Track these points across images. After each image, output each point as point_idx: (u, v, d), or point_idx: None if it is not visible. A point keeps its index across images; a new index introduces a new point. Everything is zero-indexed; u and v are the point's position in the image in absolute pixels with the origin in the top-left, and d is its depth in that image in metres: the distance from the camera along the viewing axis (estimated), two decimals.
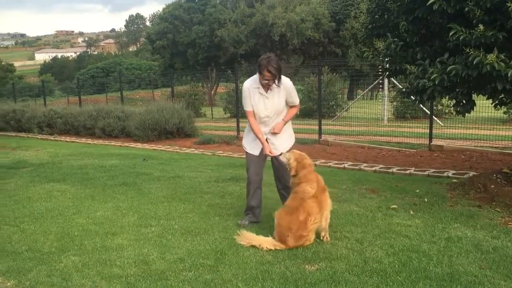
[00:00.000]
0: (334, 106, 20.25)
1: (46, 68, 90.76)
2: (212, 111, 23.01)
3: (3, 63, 66.23)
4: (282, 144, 4.95)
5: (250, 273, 3.65)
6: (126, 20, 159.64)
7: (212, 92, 38.00)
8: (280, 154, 4.78)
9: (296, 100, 4.97)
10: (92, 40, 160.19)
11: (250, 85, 4.83)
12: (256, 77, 4.78)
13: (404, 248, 4.14)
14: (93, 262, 4.02)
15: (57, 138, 16.11)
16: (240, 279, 3.56)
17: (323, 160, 9.68)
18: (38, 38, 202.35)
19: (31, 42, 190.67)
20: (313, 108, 19.77)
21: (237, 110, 15.13)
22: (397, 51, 5.67)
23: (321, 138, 12.39)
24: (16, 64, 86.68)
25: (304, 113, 20.13)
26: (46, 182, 7.53)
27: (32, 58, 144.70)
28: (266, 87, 4.74)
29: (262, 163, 5.03)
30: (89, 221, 5.27)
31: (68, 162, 9.61)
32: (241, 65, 36.22)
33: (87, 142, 14.78)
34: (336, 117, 18.55)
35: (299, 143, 12.33)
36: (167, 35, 42.26)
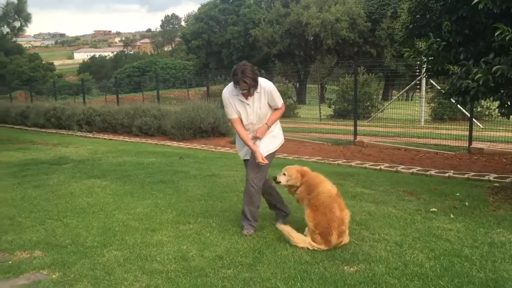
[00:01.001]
0: (369, 107, 20.02)
1: (84, 67, 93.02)
2: None
3: (43, 62, 68.26)
4: (266, 145, 4.73)
5: (288, 273, 3.66)
6: (162, 20, 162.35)
7: None
8: (276, 179, 4.66)
9: (279, 102, 4.72)
10: (129, 40, 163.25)
11: (230, 93, 4.62)
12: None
13: (446, 252, 4.06)
14: (134, 257, 4.11)
15: (95, 136, 16.52)
16: (279, 278, 3.57)
17: (358, 161, 9.58)
18: (77, 38, 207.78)
19: (70, 42, 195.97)
20: (347, 108, 19.61)
21: None
22: (439, 51, 5.56)
23: (356, 139, 12.27)
24: (56, 63, 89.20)
25: (338, 114, 19.99)
26: (87, 178, 7.73)
27: (71, 57, 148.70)
28: (246, 94, 4.55)
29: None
30: (129, 217, 5.39)
31: (107, 159, 9.85)
32: (275, 65, 36.26)
33: (124, 140, 15.08)
34: (371, 118, 18.34)
35: (334, 144, 12.29)
36: (202, 35, 42.75)
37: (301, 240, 4.26)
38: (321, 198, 4.35)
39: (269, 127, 4.74)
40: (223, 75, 34.89)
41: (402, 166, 8.83)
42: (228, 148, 12.33)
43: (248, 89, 4.45)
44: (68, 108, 19.22)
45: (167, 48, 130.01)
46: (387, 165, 9.03)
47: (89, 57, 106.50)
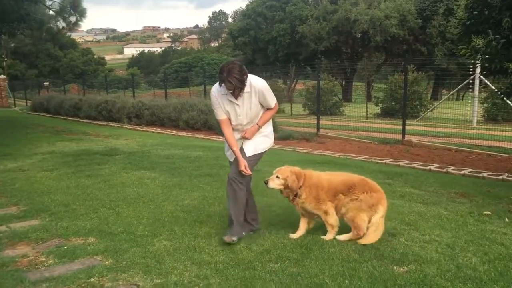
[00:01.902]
0: (418, 106, 19.54)
1: (133, 62, 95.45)
2: (291, 107, 23.07)
3: (95, 56, 70.55)
4: (255, 144, 4.44)
5: (336, 270, 3.64)
6: (209, 16, 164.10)
7: (290, 88, 38.04)
8: (267, 184, 4.35)
9: (271, 102, 4.41)
10: (177, 36, 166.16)
11: (218, 91, 4.31)
12: None
13: (500, 256, 3.92)
14: (184, 247, 4.20)
15: (144, 129, 16.94)
16: (327, 274, 3.56)
17: (406, 161, 9.38)
18: (127, 33, 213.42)
19: (120, 37, 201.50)
20: (395, 107, 19.23)
21: (318, 107, 15.06)
22: (498, 48, 5.37)
23: (404, 138, 12.01)
24: (107, 57, 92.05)
25: (385, 112, 19.64)
26: (137, 169, 7.95)
27: (121, 52, 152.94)
28: (235, 94, 4.22)
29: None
30: (178, 208, 5.50)
31: (155, 151, 10.08)
32: (321, 62, 35.96)
33: (172, 133, 15.38)
34: (420, 117, 17.90)
35: (381, 143, 12.07)
36: (249, 32, 42.97)
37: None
38: (355, 198, 4.27)
39: (260, 127, 4.44)
40: (268, 71, 35.10)
41: (453, 167, 8.57)
42: (273, 144, 12.34)
43: (233, 89, 4.13)
44: (118, 102, 19.78)
45: (213, 44, 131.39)
46: (437, 165, 8.79)
47: (138, 52, 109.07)
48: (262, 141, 4.49)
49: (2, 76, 38.72)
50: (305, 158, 9.55)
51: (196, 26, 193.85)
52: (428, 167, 8.59)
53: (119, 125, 18.07)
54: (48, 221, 5.10)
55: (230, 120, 4.37)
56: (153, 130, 16.35)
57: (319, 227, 4.61)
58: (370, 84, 31.13)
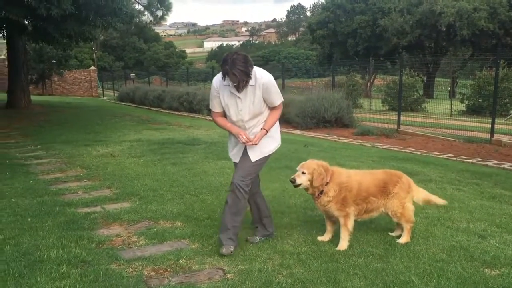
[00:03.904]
0: (508, 104, 18.38)
1: (212, 55, 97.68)
2: (370, 102, 22.57)
3: (177, 50, 73.06)
4: (261, 147, 4.08)
5: (423, 268, 3.56)
6: (287, 10, 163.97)
7: (368, 83, 37.18)
8: (294, 182, 4.01)
9: (276, 100, 4.05)
10: (255, 30, 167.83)
11: (220, 81, 3.98)
12: None
13: None
14: None
15: None
16: (413, 272, 3.49)
17: (495, 161, 8.89)
18: (207, 27, 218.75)
19: (201, 31, 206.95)
20: (482, 104, 18.22)
21: (399, 103, 14.62)
22: None
23: (493, 137, 11.35)
24: (188, 50, 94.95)
25: (472, 110, 18.66)
26: (218, 159, 8.18)
27: (201, 45, 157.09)
28: (240, 87, 3.90)
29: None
30: None
31: None
32: (402, 56, 34.77)
33: None
34: (510, 115, 16.84)
35: (467, 141, 11.50)
36: (327, 25, 42.44)
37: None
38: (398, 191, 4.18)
39: (267, 132, 4.06)
40: (346, 65, 34.55)
41: None
42: (352, 139, 12.19)
43: (237, 83, 3.82)
44: (199, 94, 20.37)
45: (291, 38, 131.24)
46: None
47: (217, 45, 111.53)
48: (268, 143, 4.12)
49: (93, 67, 41.28)
50: (386, 155, 9.34)
51: (274, 20, 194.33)
52: None
53: (199, 116, 18.62)
54: (138, 204, 5.41)
55: (229, 116, 4.06)
56: None
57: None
58: (454, 80, 29.67)
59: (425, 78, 34.07)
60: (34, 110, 18.50)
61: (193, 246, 4.15)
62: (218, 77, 4.00)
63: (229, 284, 3.40)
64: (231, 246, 3.92)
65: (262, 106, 4.03)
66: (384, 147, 10.90)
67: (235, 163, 4.24)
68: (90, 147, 9.48)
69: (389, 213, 4.15)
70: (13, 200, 5.61)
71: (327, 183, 4.00)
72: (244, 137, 3.96)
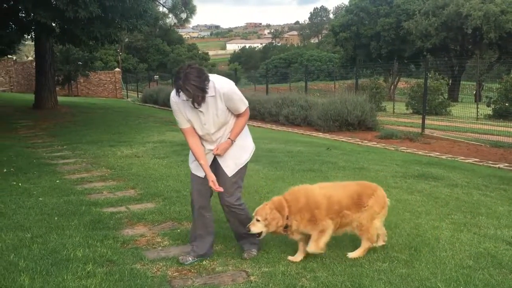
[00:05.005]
0: None
1: (235, 57, 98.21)
2: (394, 105, 22.34)
3: (200, 52, 73.57)
4: (235, 159, 3.91)
5: (449, 275, 3.50)
6: (310, 12, 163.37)
7: (392, 86, 36.78)
8: (249, 231, 3.77)
9: (241, 106, 3.80)
10: (277, 32, 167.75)
11: (178, 99, 3.68)
12: None
13: None
14: (290, 239, 4.25)
15: None
16: (439, 279, 3.43)
17: None
18: (230, 30, 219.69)
19: (223, 33, 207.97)
20: (509, 109, 17.88)
21: (424, 106, 14.44)
22: None
23: None
24: (210, 53, 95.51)
25: (498, 114, 18.32)
26: None
27: (223, 48, 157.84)
28: (197, 102, 3.61)
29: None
30: None
31: (257, 145, 10.15)
32: (426, 59, 34.31)
33: (272, 128, 15.63)
34: None
35: (493, 146, 11.28)
36: (351, 27, 42.22)
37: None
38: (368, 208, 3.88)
39: (233, 142, 3.85)
40: (369, 68, 34.25)
41: None
42: (375, 143, 12.07)
43: (191, 99, 3.53)
44: None
45: (313, 40, 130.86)
46: None
47: (239, 48, 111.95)
48: (240, 153, 3.92)
49: (117, 69, 41.88)
50: (410, 158, 9.22)
51: (297, 22, 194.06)
52: None
53: None
54: (162, 205, 5.47)
55: (195, 130, 3.82)
56: (253, 124, 16.70)
57: (429, 229, 4.44)
58: (480, 84, 29.16)
59: (450, 81, 33.58)
60: (60, 110, 18.86)
61: (216, 247, 4.17)
62: (174, 93, 3.69)
63: (253, 286, 3.41)
64: (189, 258, 3.86)
65: (227, 116, 3.80)
66: (408, 150, 10.77)
67: (192, 174, 4.00)
68: (115, 148, 9.62)
69: (354, 226, 3.88)
70: (40, 199, 5.73)
71: (287, 216, 3.74)
72: (211, 183, 3.76)
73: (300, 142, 11.21)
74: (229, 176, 3.87)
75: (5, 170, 7.36)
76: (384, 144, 11.78)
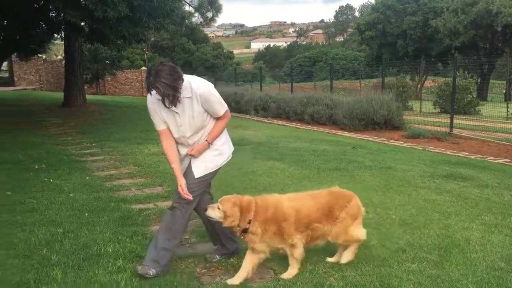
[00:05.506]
0: None
1: (259, 56, 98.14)
2: (421, 104, 22.02)
3: (224, 51, 73.84)
4: (205, 161, 3.72)
5: (481, 277, 3.44)
6: (335, 11, 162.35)
7: (418, 85, 36.22)
8: (205, 211, 3.60)
9: (219, 109, 3.68)
10: (302, 31, 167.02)
11: (154, 98, 3.54)
12: None
13: None
14: None
15: (270, 121, 17.39)
16: (470, 280, 3.38)
17: None
18: (254, 28, 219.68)
19: (248, 32, 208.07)
20: None
21: (452, 105, 14.19)
22: None
23: None
24: (235, 51, 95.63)
25: None
26: (267, 159, 8.21)
27: (248, 46, 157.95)
28: (168, 102, 3.47)
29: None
30: None
31: (283, 143, 10.31)
32: (454, 58, 33.70)
33: (297, 126, 15.59)
34: None
35: None
36: (377, 26, 41.72)
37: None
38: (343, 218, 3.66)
39: (210, 144, 3.71)
40: (395, 67, 33.78)
41: None
42: (401, 142, 11.94)
43: (162, 97, 3.41)
44: (246, 94, 20.52)
45: (338, 39, 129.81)
46: None
47: (264, 46, 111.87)
48: (213, 158, 3.75)
49: (144, 68, 42.34)
50: (438, 158, 9.08)
51: (322, 21, 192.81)
52: None
53: (246, 117, 18.75)
54: None
55: (171, 132, 3.69)
56: (278, 123, 16.71)
57: (458, 230, 4.37)
58: (511, 82, 28.47)
59: (479, 80, 32.89)
60: (89, 108, 19.21)
61: (244, 245, 4.18)
62: (152, 94, 3.57)
63: (281, 284, 3.42)
64: (152, 270, 3.52)
65: (204, 119, 3.67)
66: (436, 150, 10.61)
67: None
68: (142, 146, 9.74)
69: (329, 238, 3.70)
70: (71, 195, 5.86)
71: (250, 220, 3.50)
72: (180, 188, 3.59)
73: (326, 141, 11.15)
74: (196, 177, 3.69)
75: (36, 167, 7.55)
76: (411, 144, 11.64)
